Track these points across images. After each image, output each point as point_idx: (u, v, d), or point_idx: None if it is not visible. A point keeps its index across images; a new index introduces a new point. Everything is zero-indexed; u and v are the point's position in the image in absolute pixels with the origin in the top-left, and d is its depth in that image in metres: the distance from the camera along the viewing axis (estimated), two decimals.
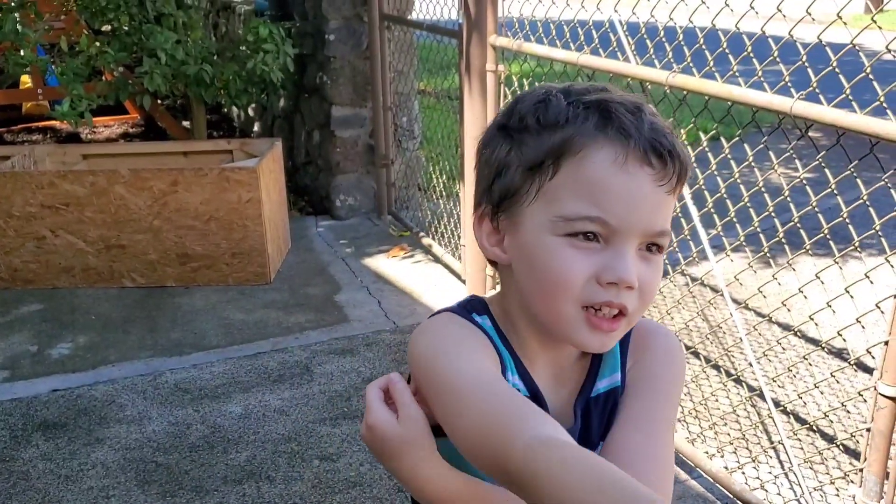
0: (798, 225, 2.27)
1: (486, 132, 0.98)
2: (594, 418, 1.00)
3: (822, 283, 2.31)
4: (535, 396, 0.97)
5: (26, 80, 6.70)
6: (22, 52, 4.45)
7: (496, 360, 0.94)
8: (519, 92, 3.46)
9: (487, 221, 0.95)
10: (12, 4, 4.45)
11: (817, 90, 2.04)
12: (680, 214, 2.67)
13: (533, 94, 0.93)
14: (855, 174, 1.99)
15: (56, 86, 5.72)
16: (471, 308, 0.99)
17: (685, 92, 2.43)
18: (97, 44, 4.58)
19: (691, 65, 2.44)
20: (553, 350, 0.98)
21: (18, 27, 4.36)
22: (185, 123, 6.22)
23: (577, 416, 0.98)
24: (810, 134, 2.13)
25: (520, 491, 0.74)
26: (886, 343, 1.90)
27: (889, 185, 1.91)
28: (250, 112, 6.58)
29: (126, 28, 4.54)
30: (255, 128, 6.50)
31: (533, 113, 0.90)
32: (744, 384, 3.06)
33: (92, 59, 4.59)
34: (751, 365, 2.44)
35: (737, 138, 2.40)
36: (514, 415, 0.78)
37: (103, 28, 4.81)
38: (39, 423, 2.94)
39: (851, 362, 2.26)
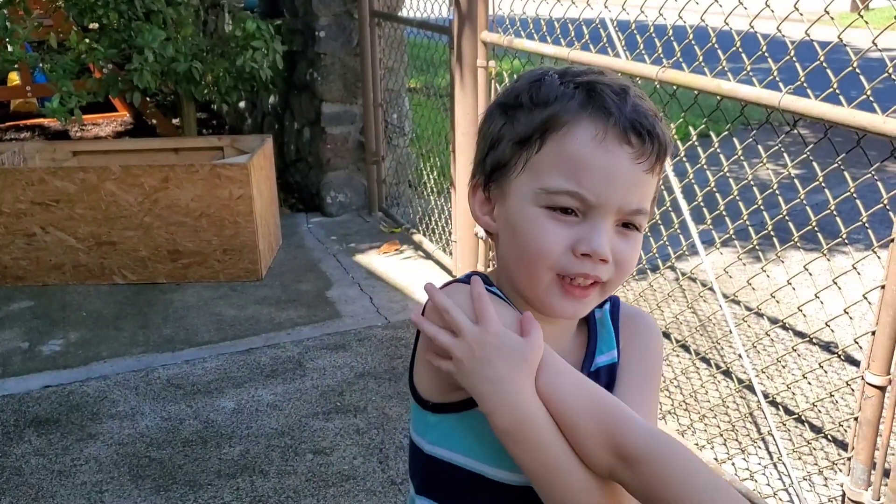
0: (787, 218, 2.30)
1: (487, 109, 1.02)
2: None
3: (811, 274, 2.34)
4: None
5: (14, 78, 6.67)
6: (10, 49, 4.43)
7: (517, 313, 0.98)
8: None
9: (480, 191, 1.01)
10: (0, 1, 4.43)
11: (805, 85, 2.06)
12: (670, 209, 2.70)
13: (531, 74, 0.98)
14: (842, 167, 2.02)
15: (45, 83, 5.71)
16: (481, 283, 1.02)
17: (675, 87, 2.46)
18: (86, 40, 4.57)
19: (681, 60, 2.46)
20: (550, 323, 1.01)
21: (7, 23, 4.35)
22: (175, 121, 6.21)
23: None
24: (799, 131, 2.15)
25: (630, 468, 0.84)
26: (873, 333, 1.93)
27: (875, 178, 1.94)
28: (240, 109, 6.58)
29: (115, 25, 4.53)
30: (246, 125, 6.49)
31: (527, 91, 0.95)
32: (733, 376, 3.09)
33: (81, 56, 4.58)
34: (740, 357, 2.47)
35: (726, 132, 2.42)
36: (615, 400, 0.91)
37: (92, 25, 4.79)
38: (32, 418, 2.94)
39: (839, 353, 2.29)
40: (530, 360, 0.90)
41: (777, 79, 2.18)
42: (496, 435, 0.90)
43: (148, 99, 5.96)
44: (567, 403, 0.90)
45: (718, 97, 2.31)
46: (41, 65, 4.76)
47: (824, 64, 2.04)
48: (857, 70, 1.96)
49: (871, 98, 1.93)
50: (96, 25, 4.73)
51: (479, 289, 0.94)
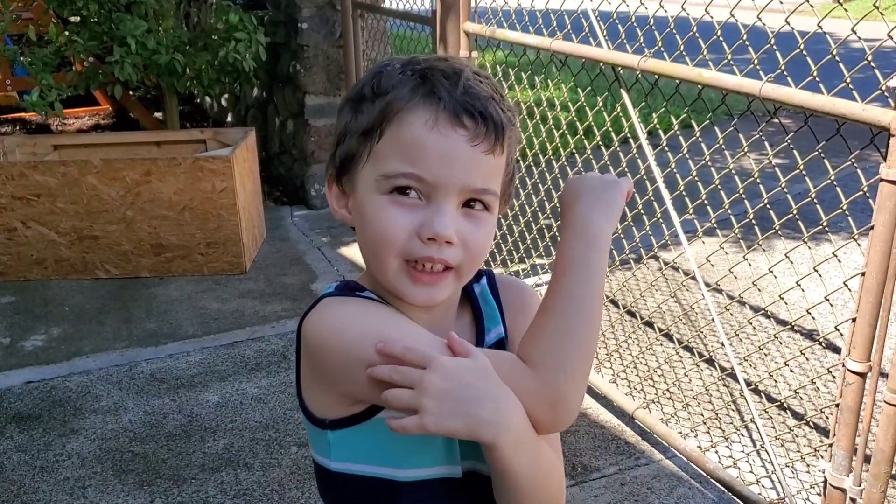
0: (768, 207, 2.31)
1: (339, 104, 1.04)
2: None
3: (792, 262, 2.35)
4: None
5: None
6: None
7: (402, 315, 0.98)
8: (492, 78, 3.47)
9: (335, 185, 1.02)
10: None
11: (786, 73, 2.07)
12: (653, 199, 2.70)
13: (376, 65, 0.99)
14: (823, 156, 2.03)
15: (25, 76, 5.65)
16: (351, 289, 1.02)
17: (657, 76, 2.46)
18: (66, 33, 4.52)
19: (662, 50, 2.46)
20: (426, 312, 1.01)
21: None
22: (158, 114, 6.16)
23: None
24: (780, 120, 2.16)
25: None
26: (854, 320, 1.94)
27: (856, 166, 1.94)
28: (223, 102, 6.54)
29: (95, 17, 4.49)
30: (229, 118, 6.46)
31: (370, 83, 0.96)
32: (716, 365, 3.10)
33: (61, 49, 4.53)
34: (723, 345, 2.48)
35: (707, 121, 2.43)
36: None
37: (72, 18, 4.74)
38: (13, 415, 2.92)
39: (820, 340, 2.30)
40: (491, 371, 0.89)
41: (758, 68, 2.18)
42: (495, 457, 0.89)
43: (130, 92, 5.91)
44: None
45: (700, 86, 2.31)
46: (20, 58, 4.71)
47: (805, 53, 2.04)
48: (837, 59, 1.96)
49: (850, 86, 1.93)
50: (76, 18, 4.68)
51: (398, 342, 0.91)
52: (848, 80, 1.93)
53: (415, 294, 0.95)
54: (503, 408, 0.87)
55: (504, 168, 0.97)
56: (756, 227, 2.36)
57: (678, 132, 2.61)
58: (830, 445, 2.06)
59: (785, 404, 2.65)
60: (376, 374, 0.88)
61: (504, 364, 0.91)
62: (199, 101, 7.33)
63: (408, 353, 0.87)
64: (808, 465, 2.57)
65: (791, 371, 3.05)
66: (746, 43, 2.20)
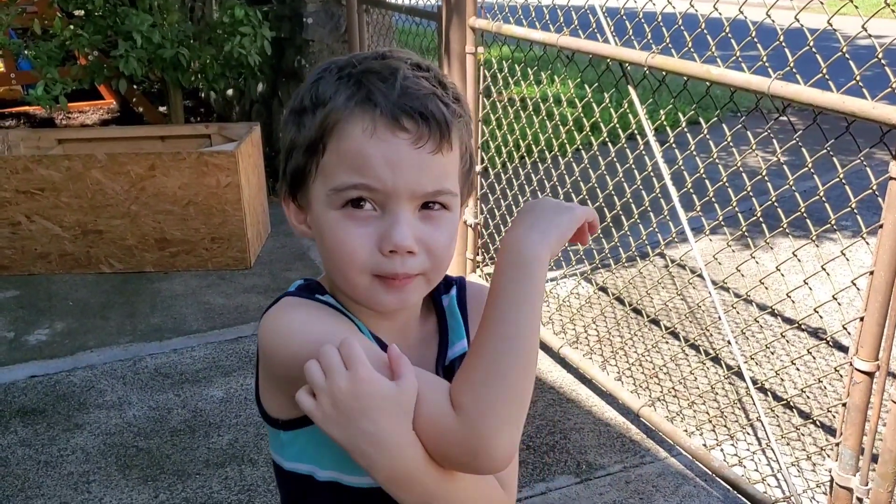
0: (775, 204, 2.30)
1: (283, 118, 1.00)
2: None
3: (800, 260, 2.33)
4: None
5: None
6: None
7: (353, 327, 0.95)
8: (498, 74, 3.46)
9: (291, 202, 0.99)
10: None
11: (794, 71, 2.06)
12: (660, 195, 2.69)
13: (313, 73, 0.95)
14: (831, 153, 2.02)
15: (29, 70, 5.65)
16: (311, 290, 1.00)
17: (664, 73, 2.44)
18: (71, 27, 4.52)
19: (670, 46, 2.45)
20: (391, 320, 0.99)
21: None
22: (162, 109, 6.16)
23: None
24: (788, 118, 2.15)
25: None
26: (862, 319, 1.93)
27: (864, 163, 1.93)
28: (228, 97, 6.53)
29: (100, 11, 4.48)
30: (233, 113, 6.45)
31: (308, 92, 0.93)
32: (722, 363, 3.10)
33: (66, 43, 4.53)
34: (729, 343, 2.47)
35: (715, 119, 2.41)
36: None
37: (77, 11, 4.74)
38: (17, 409, 2.92)
39: (827, 339, 2.29)
40: (405, 405, 0.84)
41: (766, 65, 2.17)
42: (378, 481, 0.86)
43: (134, 87, 5.91)
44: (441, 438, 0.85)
45: (708, 83, 2.30)
46: (25, 52, 4.71)
47: (814, 50, 2.03)
48: (847, 56, 1.95)
49: (860, 84, 1.92)
50: (81, 12, 4.68)
51: (348, 339, 0.86)
52: (857, 78, 1.92)
53: (386, 301, 0.92)
54: (382, 450, 0.83)
55: (458, 162, 0.94)
56: (763, 225, 2.34)
57: (686, 129, 2.59)
58: (837, 445, 2.05)
59: (791, 403, 2.65)
60: (349, 345, 0.85)
61: (435, 397, 0.85)
62: (203, 95, 7.32)
63: (343, 347, 0.83)
64: (813, 465, 2.56)
65: (797, 370, 3.04)
66: (755, 40, 2.19)
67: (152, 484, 2.51)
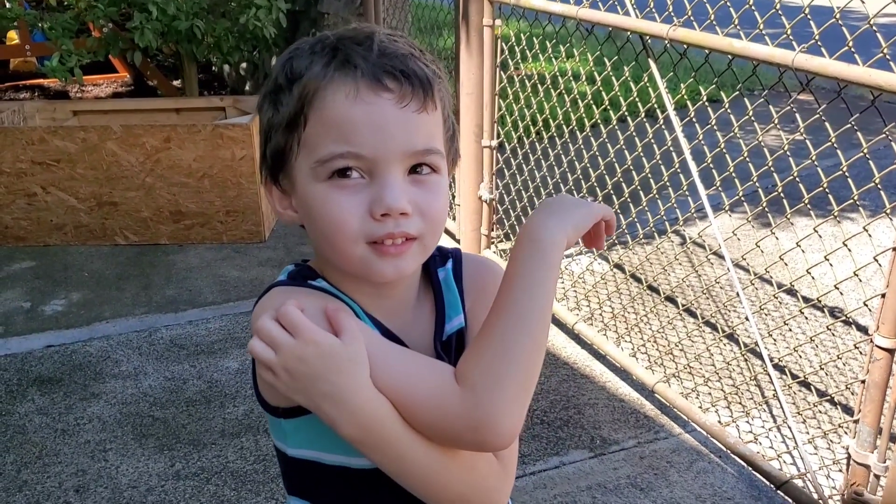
0: (797, 179, 2.27)
1: (257, 104, 0.99)
2: (453, 361, 1.00)
3: (820, 237, 2.31)
4: (395, 339, 0.98)
5: (13, 37, 6.59)
6: (8, 5, 4.37)
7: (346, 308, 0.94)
8: (516, 48, 3.43)
9: (273, 187, 0.97)
10: None
11: (819, 44, 2.02)
12: (679, 171, 2.66)
13: (284, 54, 0.95)
14: (856, 127, 1.99)
15: (44, 42, 5.63)
16: (303, 276, 0.99)
17: (685, 46, 2.41)
18: None
19: (692, 19, 2.42)
20: (387, 298, 0.98)
21: None
22: (176, 82, 6.15)
23: (442, 359, 0.99)
24: (812, 92, 2.11)
25: None
26: (884, 296, 1.91)
27: (890, 138, 1.90)
28: (242, 70, 6.51)
29: None
30: (247, 87, 6.43)
31: (282, 70, 0.92)
32: (738, 340, 3.08)
33: (80, 15, 4.51)
34: (746, 320, 2.46)
35: (736, 93, 2.38)
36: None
37: None
38: (35, 378, 2.94)
39: (846, 317, 2.27)
40: (356, 358, 0.86)
41: (791, 39, 2.13)
42: (346, 441, 0.88)
43: (149, 59, 5.89)
44: (406, 390, 0.88)
45: (730, 56, 2.26)
46: (40, 23, 4.69)
47: (840, 22, 1.99)
48: (874, 28, 1.92)
49: (888, 57, 1.89)
50: None
51: (283, 302, 0.89)
52: (885, 51, 1.89)
53: (383, 269, 0.91)
54: (341, 405, 0.85)
55: (442, 125, 0.94)
56: (784, 202, 2.32)
57: (706, 104, 2.56)
58: (856, 422, 2.04)
59: (807, 381, 2.63)
60: (255, 337, 0.89)
61: (434, 376, 0.88)
62: (217, 69, 7.30)
63: (282, 316, 0.87)
64: (829, 442, 2.55)
65: (814, 348, 3.02)
66: (779, 12, 2.15)
67: (168, 453, 2.53)
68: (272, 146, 0.94)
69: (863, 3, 1.94)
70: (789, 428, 2.35)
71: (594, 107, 3.16)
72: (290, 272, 1.01)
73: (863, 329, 3.06)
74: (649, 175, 2.78)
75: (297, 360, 0.85)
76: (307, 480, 1.00)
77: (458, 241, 3.94)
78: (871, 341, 1.95)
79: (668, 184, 2.74)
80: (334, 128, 0.87)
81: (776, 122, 2.27)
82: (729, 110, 2.45)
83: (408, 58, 0.89)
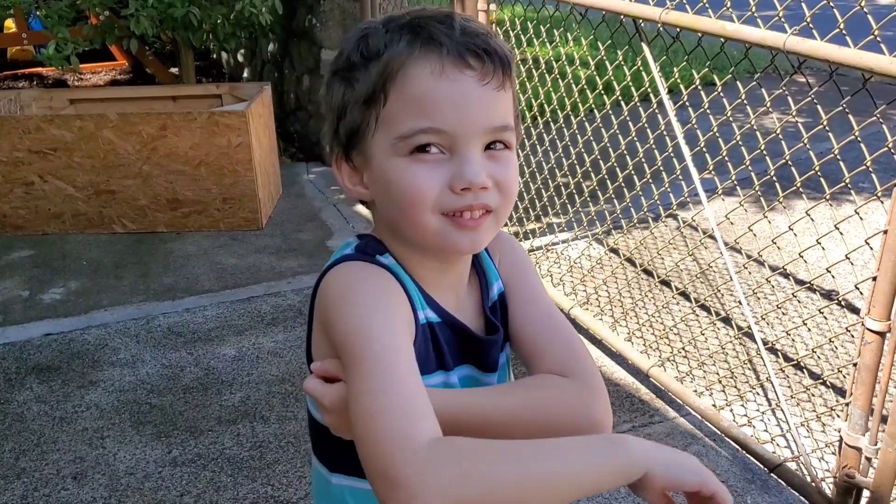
0: (789, 163, 2.27)
1: (325, 80, 1.00)
2: (501, 321, 1.06)
3: (813, 220, 2.31)
4: (450, 323, 1.00)
5: (10, 25, 6.58)
6: None
7: (408, 310, 0.94)
8: (511, 32, 3.42)
9: (344, 164, 0.98)
10: None
11: (811, 26, 2.02)
12: (672, 155, 2.66)
13: (355, 33, 0.96)
14: (847, 111, 1.98)
15: (41, 30, 5.63)
16: (371, 250, 0.99)
17: (678, 29, 2.40)
18: None
19: (684, 2, 2.41)
20: (448, 272, 1.01)
21: None
22: (173, 70, 6.13)
23: (494, 325, 1.04)
24: (805, 76, 2.11)
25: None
26: (874, 279, 1.91)
27: (881, 120, 1.90)
28: (239, 58, 6.49)
29: None
30: (245, 74, 6.42)
31: (356, 49, 0.93)
32: (732, 323, 3.09)
33: (77, 2, 4.50)
34: (740, 304, 2.46)
35: (729, 76, 2.38)
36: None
37: None
38: (33, 366, 2.95)
39: (839, 300, 2.28)
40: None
41: (783, 21, 2.13)
42: None
43: (146, 47, 5.88)
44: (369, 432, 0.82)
45: (722, 39, 2.26)
46: (36, 11, 4.68)
47: (832, 4, 1.98)
48: (865, 10, 1.91)
49: (879, 40, 1.88)
50: None
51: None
52: (876, 33, 1.88)
53: (460, 241, 0.93)
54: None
55: (513, 103, 0.96)
56: (777, 186, 2.32)
57: (700, 88, 2.56)
58: (847, 405, 2.05)
59: (801, 364, 2.64)
60: (307, 388, 0.97)
61: (407, 417, 0.82)
62: (214, 56, 7.29)
63: (326, 370, 0.95)
64: (823, 425, 2.56)
65: (808, 331, 3.02)
66: None
67: (165, 440, 2.55)
68: (346, 123, 0.94)
69: None
70: (783, 411, 2.36)
71: (587, 91, 3.15)
72: (356, 245, 1.01)
73: (856, 311, 3.06)
74: (643, 160, 2.77)
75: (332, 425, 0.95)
76: (345, 451, 0.97)
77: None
78: (863, 324, 1.96)
79: (661, 167, 2.74)
80: (416, 104, 0.88)
81: (768, 105, 2.26)
82: (722, 94, 2.44)
83: (487, 36, 0.91)
